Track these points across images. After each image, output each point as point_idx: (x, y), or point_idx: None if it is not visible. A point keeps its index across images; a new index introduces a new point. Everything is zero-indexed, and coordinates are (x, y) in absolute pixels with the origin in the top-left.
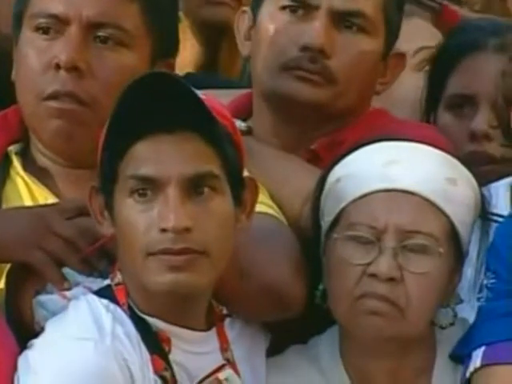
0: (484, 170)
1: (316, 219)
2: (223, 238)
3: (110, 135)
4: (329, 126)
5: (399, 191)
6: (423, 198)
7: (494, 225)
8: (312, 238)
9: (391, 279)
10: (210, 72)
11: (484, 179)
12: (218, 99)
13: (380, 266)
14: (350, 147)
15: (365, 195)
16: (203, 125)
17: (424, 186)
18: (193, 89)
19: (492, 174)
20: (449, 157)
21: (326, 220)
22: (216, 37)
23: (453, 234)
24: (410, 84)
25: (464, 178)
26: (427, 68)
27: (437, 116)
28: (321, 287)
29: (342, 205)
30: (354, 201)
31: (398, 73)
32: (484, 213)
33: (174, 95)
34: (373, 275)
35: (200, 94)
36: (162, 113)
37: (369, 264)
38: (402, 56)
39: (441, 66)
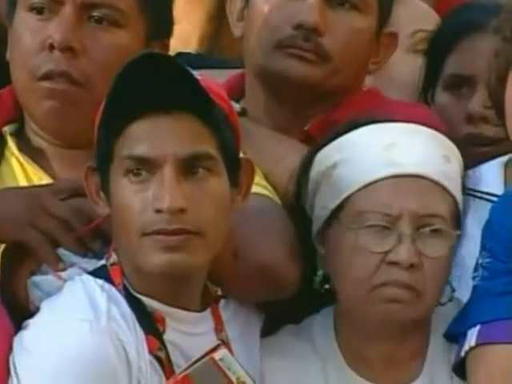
0: (481, 151)
1: (298, 196)
2: (218, 219)
3: (107, 114)
4: (322, 105)
5: (407, 176)
6: (430, 180)
7: (480, 202)
8: (297, 216)
9: (411, 266)
10: (202, 52)
11: (481, 161)
12: (214, 80)
13: (400, 254)
14: (340, 128)
15: (372, 182)
16: (200, 106)
17: (429, 168)
18: (189, 70)
19: (489, 155)
20: (440, 134)
21: (323, 206)
22: (219, 12)
23: (456, 213)
24: (405, 65)
25: (454, 154)
26: (423, 49)
27: (434, 95)
28: (319, 273)
29: (347, 193)
30: (361, 188)
31: (390, 52)
32: (463, 188)
33: (170, 76)
34: (393, 263)
35: (197, 74)
36: (159, 93)
37: (387, 252)
38: (394, 35)
39: (440, 44)
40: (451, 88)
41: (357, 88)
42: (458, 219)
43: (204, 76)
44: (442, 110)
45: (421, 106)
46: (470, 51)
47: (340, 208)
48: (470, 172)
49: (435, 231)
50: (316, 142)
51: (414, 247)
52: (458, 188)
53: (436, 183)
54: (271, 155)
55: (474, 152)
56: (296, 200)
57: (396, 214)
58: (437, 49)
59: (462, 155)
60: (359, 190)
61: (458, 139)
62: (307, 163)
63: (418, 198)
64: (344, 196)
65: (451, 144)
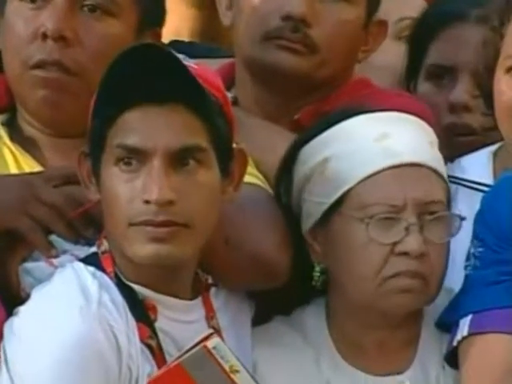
0: (464, 141)
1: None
2: (207, 211)
3: (100, 103)
4: (312, 95)
5: (406, 165)
6: (428, 168)
7: (468, 190)
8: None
9: (421, 254)
10: (197, 41)
11: (464, 151)
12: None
13: (410, 244)
14: (324, 121)
15: (372, 174)
16: (192, 97)
17: (424, 156)
18: (184, 61)
19: (472, 145)
20: (422, 121)
21: (318, 202)
22: (210, 4)
23: (449, 198)
24: (390, 52)
25: (435, 140)
26: (404, 35)
27: (417, 85)
28: (318, 268)
29: (346, 187)
30: (361, 181)
31: (380, 40)
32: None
33: (164, 67)
34: (404, 253)
35: (193, 64)
36: (152, 84)
37: (395, 243)
38: (383, 23)
39: (422, 34)
40: (433, 78)
41: (346, 77)
42: (450, 204)
43: (201, 65)
44: (424, 99)
45: (408, 96)
46: (451, 41)
47: (338, 203)
48: (458, 160)
49: (439, 218)
50: None
51: (422, 236)
52: (445, 173)
53: (432, 170)
54: (263, 145)
55: (456, 142)
56: (278, 197)
57: (401, 204)
58: (419, 38)
59: (445, 145)
60: (359, 183)
61: (440, 129)
62: (291, 159)
63: (419, 186)
64: (343, 190)
65: (431, 129)
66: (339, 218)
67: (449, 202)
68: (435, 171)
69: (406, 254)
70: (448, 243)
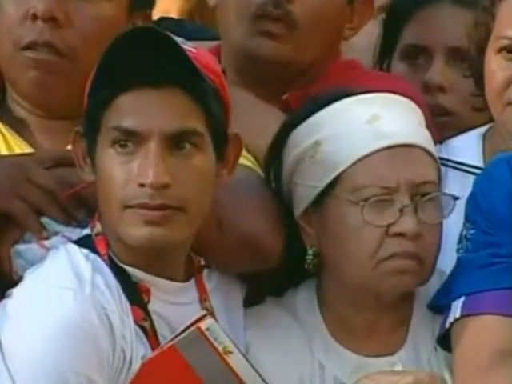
0: (439, 121)
1: (269, 173)
2: (202, 195)
3: (96, 84)
4: (300, 80)
5: (399, 146)
6: (420, 148)
7: (457, 172)
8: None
9: (416, 235)
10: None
11: (439, 131)
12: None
13: (405, 225)
14: (310, 105)
15: (365, 156)
16: (189, 81)
17: (417, 137)
18: (181, 45)
19: (446, 126)
20: (411, 102)
21: (311, 186)
22: None
23: (440, 178)
24: (365, 32)
25: (424, 120)
26: (382, 15)
27: (391, 65)
28: (310, 252)
29: (340, 169)
30: (354, 164)
31: (366, 17)
32: None
33: (162, 50)
34: (399, 235)
35: (191, 46)
36: (149, 67)
37: (390, 224)
38: (369, 1)
39: (397, 14)
40: (408, 58)
41: (333, 56)
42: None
43: (199, 49)
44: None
45: (396, 76)
46: (426, 21)
47: (331, 186)
48: (447, 142)
49: (433, 198)
50: None
51: (416, 217)
52: (436, 153)
53: (425, 150)
54: (254, 124)
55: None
56: (267, 182)
57: (394, 186)
58: (394, 18)
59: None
60: (352, 165)
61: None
62: (280, 143)
63: (412, 167)
64: (336, 173)
65: (420, 110)
66: (332, 201)
67: (440, 182)
68: (427, 151)
69: (401, 235)
70: (441, 224)
